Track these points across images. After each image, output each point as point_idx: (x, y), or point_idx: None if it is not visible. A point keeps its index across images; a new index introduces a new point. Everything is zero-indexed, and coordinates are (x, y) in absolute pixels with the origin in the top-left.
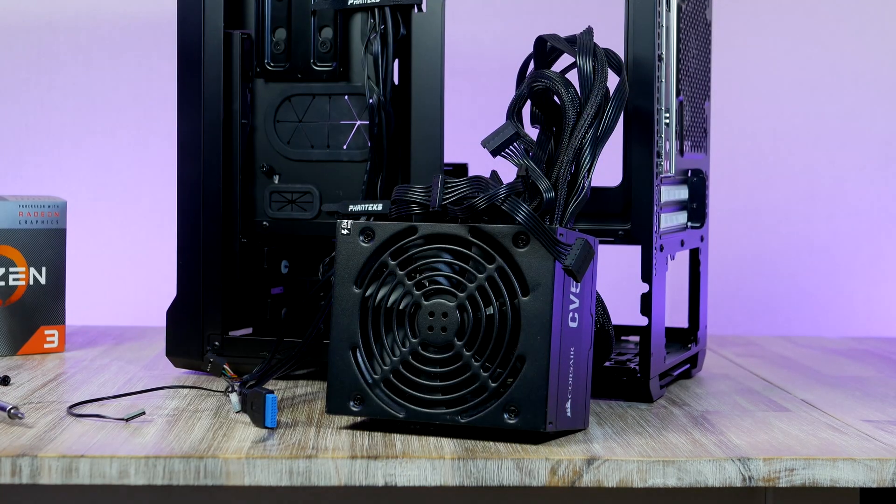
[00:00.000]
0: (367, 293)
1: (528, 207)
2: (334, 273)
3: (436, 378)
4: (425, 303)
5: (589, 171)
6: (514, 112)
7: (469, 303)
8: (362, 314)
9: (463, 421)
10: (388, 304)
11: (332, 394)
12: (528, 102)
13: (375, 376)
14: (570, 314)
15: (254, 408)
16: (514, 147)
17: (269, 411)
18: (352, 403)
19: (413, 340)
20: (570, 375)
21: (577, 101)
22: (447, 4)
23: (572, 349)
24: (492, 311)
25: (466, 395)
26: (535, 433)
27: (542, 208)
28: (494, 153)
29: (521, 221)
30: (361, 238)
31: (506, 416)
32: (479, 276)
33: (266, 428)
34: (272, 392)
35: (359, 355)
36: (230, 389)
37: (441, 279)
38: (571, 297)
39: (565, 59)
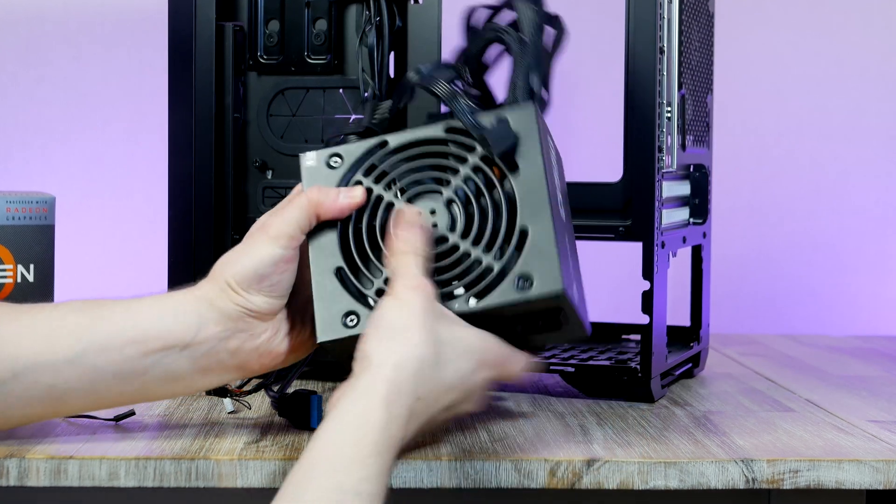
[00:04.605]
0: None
1: (447, 84)
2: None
3: (436, 273)
4: (413, 209)
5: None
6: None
7: (457, 195)
8: (342, 237)
9: (476, 306)
10: (370, 221)
11: (322, 321)
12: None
13: (368, 291)
14: (555, 190)
15: (294, 410)
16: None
17: (314, 412)
18: (347, 320)
19: None
20: (570, 258)
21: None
22: None
23: (567, 235)
24: (484, 201)
25: (472, 282)
26: (554, 300)
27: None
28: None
29: (440, 93)
30: (329, 165)
31: (519, 287)
32: (463, 166)
33: (312, 429)
34: (316, 393)
35: (345, 276)
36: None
37: (421, 182)
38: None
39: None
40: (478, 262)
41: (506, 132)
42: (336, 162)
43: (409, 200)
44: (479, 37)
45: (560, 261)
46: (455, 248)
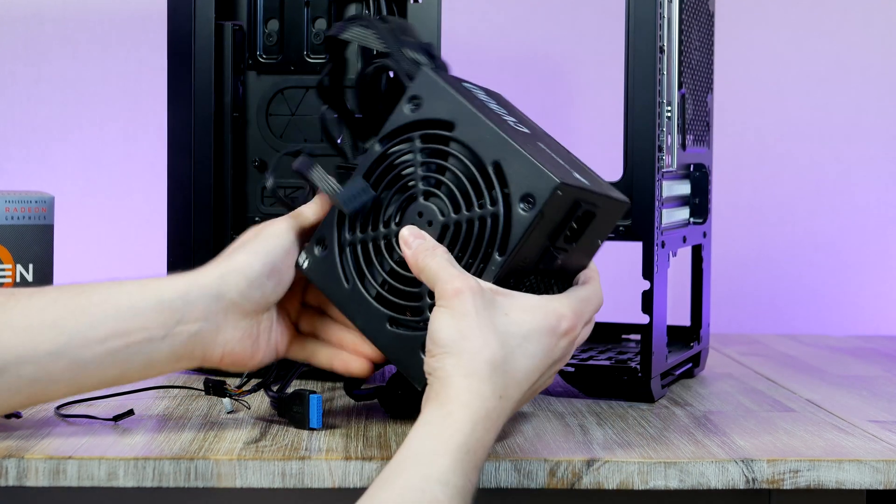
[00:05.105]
0: (360, 279)
1: (318, 171)
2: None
3: (460, 255)
4: (408, 227)
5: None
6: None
7: (428, 185)
8: (372, 294)
9: (507, 255)
10: (384, 270)
11: (412, 372)
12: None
13: (426, 316)
14: (497, 114)
15: (293, 410)
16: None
17: (314, 412)
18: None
19: None
20: (555, 155)
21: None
22: None
23: (540, 141)
24: (448, 171)
25: (490, 240)
26: (562, 197)
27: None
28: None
29: (315, 181)
30: (319, 253)
31: (526, 209)
32: (413, 160)
33: (311, 429)
34: (315, 392)
35: (399, 320)
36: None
37: (395, 201)
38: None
39: None
40: (483, 219)
41: (357, 191)
42: (320, 246)
43: (399, 222)
44: (364, 89)
45: (538, 160)
46: (459, 224)
